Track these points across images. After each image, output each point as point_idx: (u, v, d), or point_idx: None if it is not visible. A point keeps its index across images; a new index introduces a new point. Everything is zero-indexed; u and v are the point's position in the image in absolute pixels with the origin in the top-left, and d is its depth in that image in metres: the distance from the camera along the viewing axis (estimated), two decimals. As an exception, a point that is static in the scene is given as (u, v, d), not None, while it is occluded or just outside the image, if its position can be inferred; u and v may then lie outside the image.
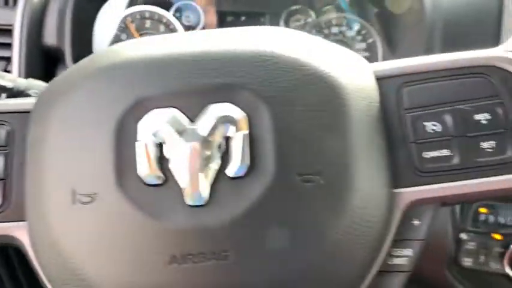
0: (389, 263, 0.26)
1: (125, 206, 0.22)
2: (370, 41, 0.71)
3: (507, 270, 0.53)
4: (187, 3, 0.71)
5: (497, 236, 0.55)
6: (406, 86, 0.27)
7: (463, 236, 0.56)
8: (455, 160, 0.26)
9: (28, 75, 0.54)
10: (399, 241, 0.26)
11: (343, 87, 0.25)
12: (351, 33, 0.70)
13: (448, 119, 0.26)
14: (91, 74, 0.25)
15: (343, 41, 0.71)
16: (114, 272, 0.22)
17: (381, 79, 0.27)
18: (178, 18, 0.71)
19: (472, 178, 0.25)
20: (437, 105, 0.26)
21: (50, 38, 0.61)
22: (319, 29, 0.71)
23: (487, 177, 0.25)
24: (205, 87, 0.24)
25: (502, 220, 0.56)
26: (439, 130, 0.26)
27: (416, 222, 0.27)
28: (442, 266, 0.56)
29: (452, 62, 0.27)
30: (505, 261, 0.54)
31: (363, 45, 0.70)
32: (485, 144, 0.25)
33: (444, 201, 0.27)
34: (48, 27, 0.61)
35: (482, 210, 0.57)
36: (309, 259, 0.23)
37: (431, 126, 0.26)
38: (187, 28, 0.69)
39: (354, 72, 0.27)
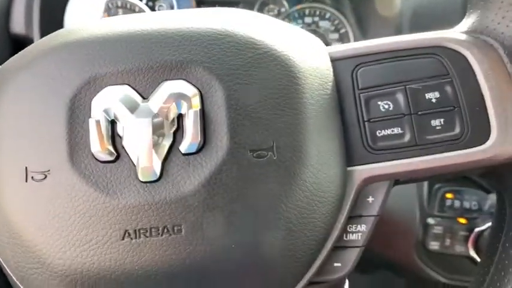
0: (345, 238, 0.27)
1: (77, 183, 0.23)
2: (342, 31, 0.72)
3: (471, 252, 0.55)
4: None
5: (462, 220, 0.57)
6: (361, 67, 0.28)
7: (430, 220, 0.57)
8: (407, 138, 0.26)
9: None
10: (354, 218, 0.27)
11: (297, 65, 0.25)
12: (323, 24, 0.71)
13: (400, 98, 0.27)
14: (44, 53, 0.25)
15: (316, 31, 0.72)
16: (67, 249, 0.23)
17: (335, 60, 0.28)
18: (151, 8, 0.71)
19: (423, 155, 0.26)
20: (390, 85, 0.27)
21: (17, 26, 0.60)
22: (292, 19, 0.72)
23: (437, 153, 0.26)
24: (158, 65, 0.24)
25: (467, 205, 0.57)
26: (391, 109, 0.27)
27: (370, 199, 0.27)
28: (411, 250, 0.58)
29: (404, 43, 0.28)
30: (469, 244, 0.55)
31: (336, 35, 0.71)
32: (435, 122, 0.26)
33: (397, 178, 0.27)
34: (16, 15, 0.60)
35: (449, 195, 0.58)
36: (261, 233, 0.23)
37: (384, 105, 0.27)
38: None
39: (309, 52, 0.27)
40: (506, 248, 0.27)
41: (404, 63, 0.27)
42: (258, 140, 0.23)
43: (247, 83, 0.24)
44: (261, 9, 0.73)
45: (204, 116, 0.23)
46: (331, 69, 0.27)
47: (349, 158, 0.27)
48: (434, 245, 0.57)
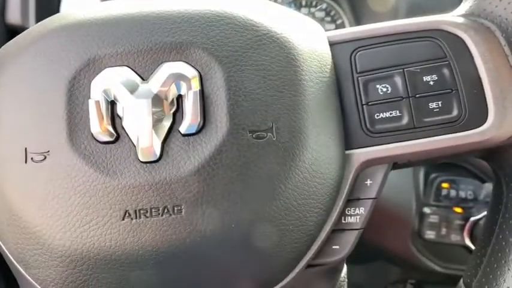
0: (343, 221, 0.27)
1: (77, 163, 0.23)
2: (339, 22, 0.72)
3: (466, 241, 0.56)
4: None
5: (458, 210, 0.57)
6: (359, 51, 0.28)
7: (426, 210, 0.58)
8: (405, 120, 0.26)
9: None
10: (352, 200, 0.27)
11: (296, 48, 0.25)
12: (320, 14, 0.71)
13: (398, 81, 0.27)
14: (43, 35, 0.25)
15: (312, 22, 0.72)
16: (67, 230, 0.23)
17: (334, 44, 0.28)
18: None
19: (420, 138, 0.26)
20: (388, 68, 0.27)
21: (13, 16, 0.60)
22: (289, 10, 0.72)
23: (435, 136, 0.26)
24: (158, 46, 0.24)
25: (462, 194, 0.58)
26: (390, 92, 0.27)
27: (368, 182, 0.27)
28: (407, 240, 0.58)
29: (402, 26, 0.28)
30: (465, 233, 0.56)
31: (332, 26, 0.71)
32: (432, 105, 0.26)
33: (395, 161, 0.27)
34: (11, 5, 0.60)
35: (444, 185, 0.59)
36: (261, 214, 0.23)
37: (382, 88, 0.27)
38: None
39: (307, 35, 0.27)
40: (499, 240, 0.27)
41: (402, 47, 0.28)
42: (257, 121, 0.24)
43: (247, 64, 0.24)
44: (257, 1, 0.72)
45: (203, 97, 0.23)
46: (330, 53, 0.27)
47: (348, 141, 0.27)
48: (430, 234, 0.58)
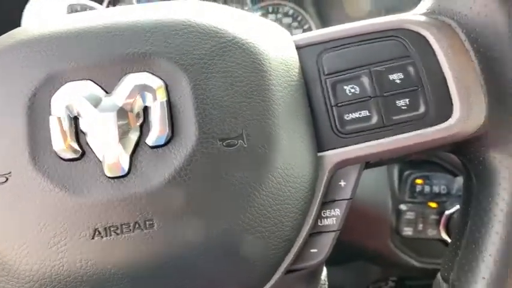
0: (320, 224, 0.27)
1: (41, 183, 0.22)
2: (306, 26, 0.73)
3: (443, 235, 0.57)
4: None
5: (433, 204, 0.58)
6: (325, 53, 0.28)
7: (402, 207, 0.59)
8: (374, 120, 0.27)
9: None
10: (327, 203, 0.27)
11: (261, 53, 0.25)
12: (287, 20, 0.72)
13: (365, 81, 0.27)
14: (0, 52, 0.24)
15: (280, 27, 0.72)
16: (34, 253, 0.22)
17: (300, 48, 0.28)
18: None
19: (390, 136, 0.27)
20: (355, 69, 0.27)
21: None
22: (256, 17, 0.72)
23: (404, 133, 0.27)
24: (120, 58, 0.23)
25: (436, 189, 0.59)
26: (358, 92, 0.27)
27: (342, 183, 0.27)
28: (385, 238, 0.59)
29: (366, 26, 0.28)
30: (441, 227, 0.57)
31: (300, 31, 0.72)
32: (400, 102, 0.27)
33: (367, 161, 0.28)
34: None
35: (418, 181, 0.60)
36: (235, 223, 0.23)
37: (350, 89, 0.27)
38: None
39: (273, 40, 0.27)
40: (472, 231, 0.28)
41: (368, 47, 0.28)
42: (227, 129, 0.23)
43: (213, 72, 0.24)
44: (224, 9, 0.73)
45: (170, 107, 0.23)
46: (297, 57, 0.28)
47: (319, 143, 0.27)
48: (407, 231, 0.58)
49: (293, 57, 0.27)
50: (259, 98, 0.24)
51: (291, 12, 0.72)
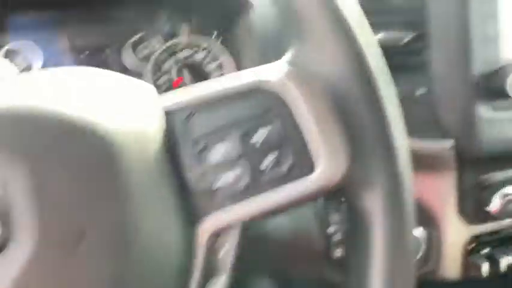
0: None
1: None
2: (221, 59, 0.72)
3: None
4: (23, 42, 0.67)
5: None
6: (193, 116, 0.28)
7: (330, 229, 0.59)
8: (244, 181, 0.27)
9: None
10: (211, 269, 0.27)
11: (115, 133, 0.24)
12: (199, 56, 0.71)
13: (232, 142, 0.27)
14: None
15: (193, 64, 0.72)
16: None
17: (168, 112, 0.28)
18: (13, 60, 0.66)
19: (258, 194, 0.27)
20: (222, 130, 0.27)
21: None
22: (168, 55, 0.71)
23: (271, 192, 0.27)
24: None
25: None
26: (226, 153, 0.27)
27: (225, 248, 0.27)
28: (318, 264, 0.59)
29: (228, 90, 0.28)
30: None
31: (214, 65, 0.72)
32: (266, 162, 0.27)
33: (243, 220, 0.27)
34: None
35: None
36: None
37: (219, 150, 0.27)
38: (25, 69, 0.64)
39: (133, 111, 0.26)
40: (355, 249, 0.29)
41: (232, 107, 0.28)
42: (73, 225, 0.22)
43: (56, 162, 0.22)
44: (135, 49, 0.71)
45: (5, 207, 0.21)
46: (163, 122, 0.27)
47: (194, 215, 0.26)
48: (338, 252, 0.59)
49: (155, 126, 0.27)
50: (110, 184, 0.23)
51: (204, 45, 0.72)
